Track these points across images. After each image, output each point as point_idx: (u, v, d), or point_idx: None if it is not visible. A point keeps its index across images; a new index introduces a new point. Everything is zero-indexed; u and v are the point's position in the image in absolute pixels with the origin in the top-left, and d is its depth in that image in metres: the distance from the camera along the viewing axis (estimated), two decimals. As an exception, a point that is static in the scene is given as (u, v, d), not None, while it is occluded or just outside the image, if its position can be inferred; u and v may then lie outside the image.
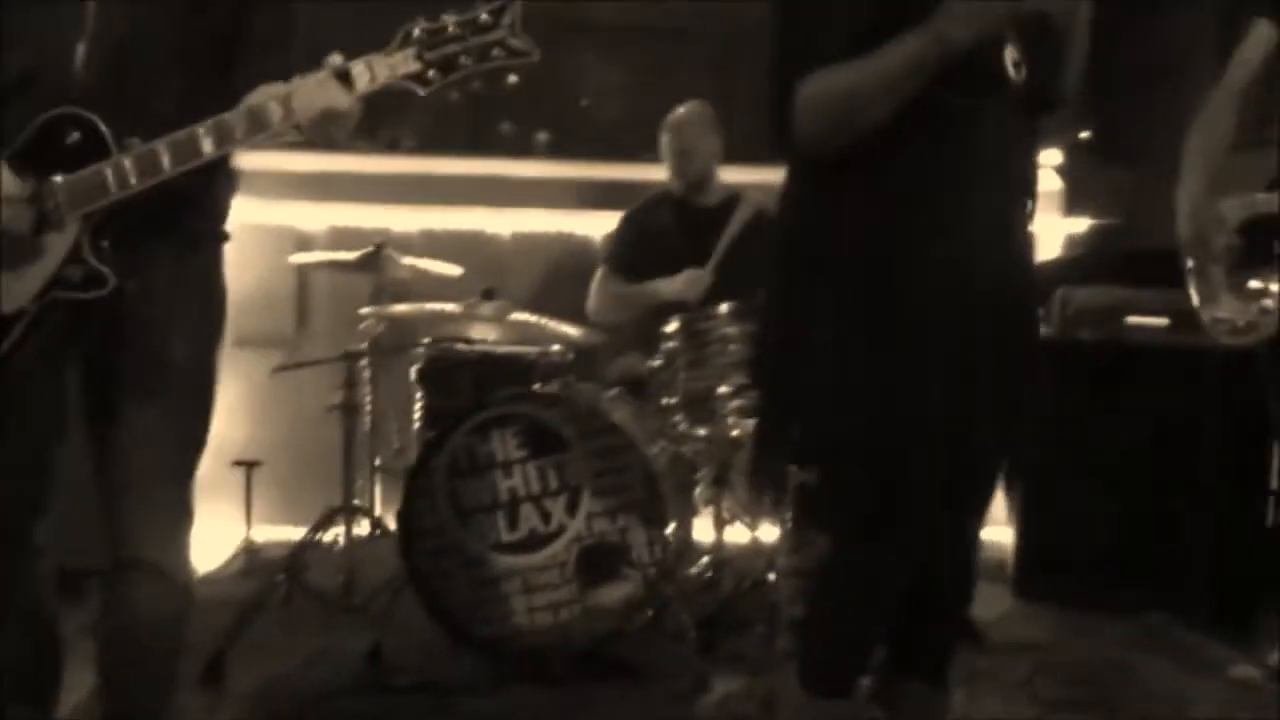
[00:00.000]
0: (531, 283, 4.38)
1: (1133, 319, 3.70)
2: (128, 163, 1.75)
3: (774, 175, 2.02)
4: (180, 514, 1.93)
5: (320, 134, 1.78)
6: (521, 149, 4.58)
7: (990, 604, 3.46)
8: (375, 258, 3.58)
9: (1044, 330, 3.84)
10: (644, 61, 5.03)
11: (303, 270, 4.18)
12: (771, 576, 3.07)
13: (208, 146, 1.76)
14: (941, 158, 1.81)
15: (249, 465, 3.91)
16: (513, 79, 1.88)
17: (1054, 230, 4.48)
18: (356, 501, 3.49)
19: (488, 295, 3.28)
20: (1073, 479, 3.66)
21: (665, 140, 3.87)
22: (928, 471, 1.86)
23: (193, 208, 1.90)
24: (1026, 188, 1.97)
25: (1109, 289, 3.75)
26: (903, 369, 1.83)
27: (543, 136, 4.58)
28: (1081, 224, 4.54)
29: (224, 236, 1.99)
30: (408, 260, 3.65)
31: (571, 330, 3.40)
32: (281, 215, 4.37)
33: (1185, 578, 3.54)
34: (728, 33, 4.83)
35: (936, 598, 2.07)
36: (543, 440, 3.00)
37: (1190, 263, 2.86)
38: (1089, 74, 2.08)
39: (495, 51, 1.76)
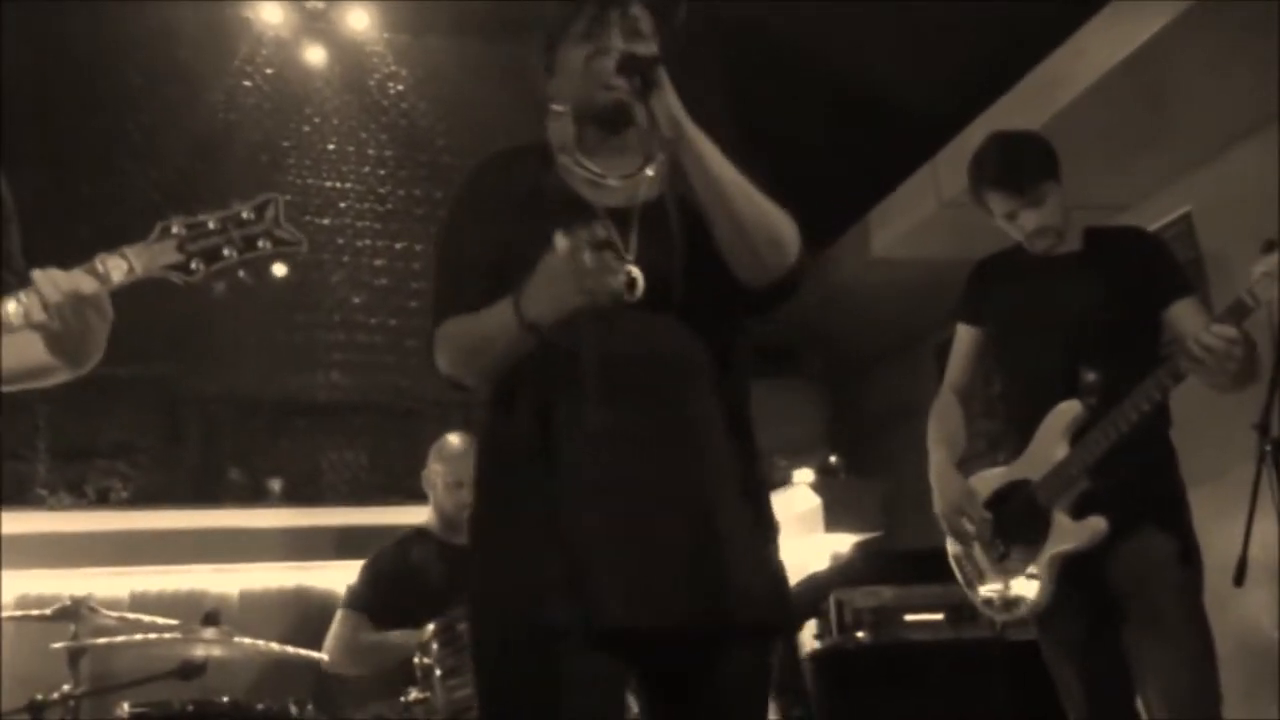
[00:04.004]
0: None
1: (910, 617, 3.58)
2: None
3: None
4: None
5: (75, 322, 1.64)
6: (252, 497, 4.17)
7: None
8: (74, 610, 3.07)
9: (825, 639, 3.68)
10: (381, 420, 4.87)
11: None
12: None
13: None
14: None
15: None
16: (280, 270, 1.75)
17: (819, 546, 4.42)
18: None
19: (210, 620, 2.82)
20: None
21: (437, 470, 3.54)
22: None
23: None
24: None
25: (882, 589, 3.64)
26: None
27: (275, 484, 4.21)
28: (844, 540, 4.52)
29: None
30: (114, 613, 3.14)
31: (308, 653, 2.94)
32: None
33: None
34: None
35: None
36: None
37: (953, 547, 2.83)
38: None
39: (261, 242, 1.73)
